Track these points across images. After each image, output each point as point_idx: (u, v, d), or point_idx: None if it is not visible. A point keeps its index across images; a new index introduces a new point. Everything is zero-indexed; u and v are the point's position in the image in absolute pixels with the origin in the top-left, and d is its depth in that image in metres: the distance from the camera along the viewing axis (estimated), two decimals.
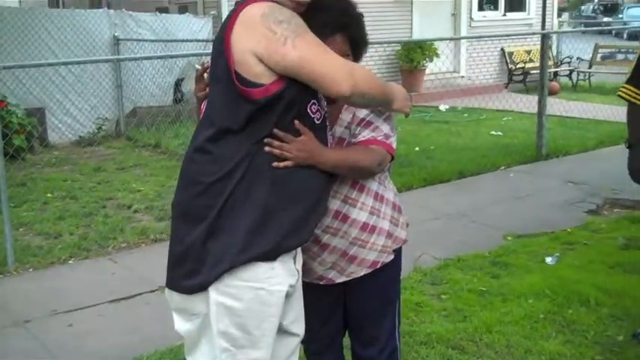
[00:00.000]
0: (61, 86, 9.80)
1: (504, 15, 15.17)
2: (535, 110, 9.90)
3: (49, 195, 6.93)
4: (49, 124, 9.60)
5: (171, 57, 10.43)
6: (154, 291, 4.67)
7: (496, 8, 15.15)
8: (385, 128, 2.47)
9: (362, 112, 2.47)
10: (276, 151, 2.21)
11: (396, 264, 2.69)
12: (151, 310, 4.40)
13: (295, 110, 2.21)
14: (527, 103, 10.94)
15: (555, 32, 12.96)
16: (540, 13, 14.89)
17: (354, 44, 2.50)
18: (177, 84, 11.00)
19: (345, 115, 2.49)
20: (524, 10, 15.53)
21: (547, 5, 13.14)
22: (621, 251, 5.14)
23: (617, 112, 10.46)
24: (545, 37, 8.50)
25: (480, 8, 14.81)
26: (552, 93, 11.70)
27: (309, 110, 2.23)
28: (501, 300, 4.35)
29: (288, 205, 2.24)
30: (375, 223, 2.53)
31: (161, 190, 7.08)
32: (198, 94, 2.62)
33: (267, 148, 2.21)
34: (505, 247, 5.34)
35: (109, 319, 4.34)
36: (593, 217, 6.05)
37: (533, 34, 12.61)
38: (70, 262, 5.29)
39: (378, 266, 2.57)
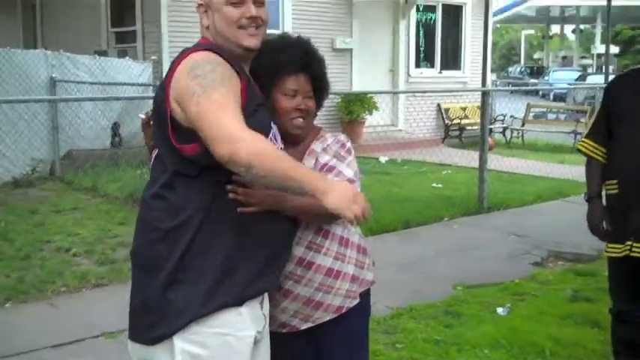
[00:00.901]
0: None
1: (440, 72, 15.58)
2: (473, 165, 10.15)
3: None
4: None
5: (108, 99, 10.31)
6: (97, 337, 4.46)
7: (432, 66, 15.54)
8: (348, 173, 2.43)
9: (324, 158, 2.44)
10: (241, 198, 2.16)
11: (363, 308, 2.61)
12: (96, 357, 4.18)
13: None
14: (465, 157, 11.17)
15: (495, 90, 13.35)
16: (473, 71, 15.45)
17: (317, 84, 2.49)
18: (115, 127, 10.81)
19: (308, 161, 2.45)
20: (459, 69, 15.98)
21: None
22: (570, 303, 5.19)
23: (551, 169, 10.80)
24: (485, 95, 8.69)
25: (417, 65, 15.17)
26: (487, 149, 11.95)
27: None
28: (457, 350, 4.32)
29: (253, 252, 2.18)
30: (339, 268, 2.47)
31: (101, 234, 6.84)
32: (149, 143, 2.55)
33: (231, 195, 2.15)
34: (456, 297, 5.33)
35: None
36: (539, 269, 6.12)
37: (475, 90, 12.94)
38: (7, 305, 5.01)
39: (343, 311, 2.50)
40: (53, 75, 10.28)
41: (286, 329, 2.49)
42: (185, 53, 2.18)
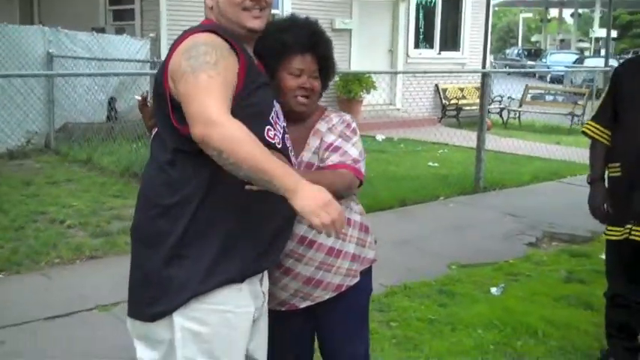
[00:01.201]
0: None
1: (439, 53, 15.54)
2: (469, 144, 10.16)
3: None
4: None
5: (106, 75, 10.25)
6: (91, 309, 4.45)
7: (431, 47, 15.48)
8: (354, 152, 2.43)
9: (330, 137, 2.44)
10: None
11: (363, 286, 2.60)
12: (89, 330, 4.17)
13: None
14: (462, 137, 11.14)
15: (495, 71, 13.29)
16: (472, 53, 15.42)
17: (323, 64, 2.49)
18: (112, 102, 10.75)
19: (313, 141, 2.45)
20: (458, 50, 15.94)
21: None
22: (564, 284, 5.19)
23: (548, 150, 10.79)
24: (485, 76, 8.65)
25: (416, 46, 15.11)
26: (486, 129, 11.92)
27: (266, 136, 2.14)
28: (450, 329, 4.31)
29: (255, 230, 2.17)
30: (340, 247, 2.47)
31: (95, 206, 6.81)
32: (148, 124, 2.55)
33: (247, 187, 2.12)
34: (450, 276, 5.33)
35: (44, 337, 4.08)
36: (533, 249, 6.12)
37: (475, 72, 12.93)
38: (1, 276, 4.99)
39: (343, 289, 2.50)
40: (50, 50, 10.20)
41: (285, 307, 2.48)
42: (186, 34, 2.17)
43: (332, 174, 2.37)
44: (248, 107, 2.10)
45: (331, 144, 2.41)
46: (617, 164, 3.52)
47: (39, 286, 4.86)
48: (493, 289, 5.04)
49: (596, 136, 3.62)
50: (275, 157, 1.96)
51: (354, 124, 2.49)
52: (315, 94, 2.45)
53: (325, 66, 2.49)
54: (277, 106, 2.25)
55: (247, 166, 1.92)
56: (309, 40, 2.42)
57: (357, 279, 2.52)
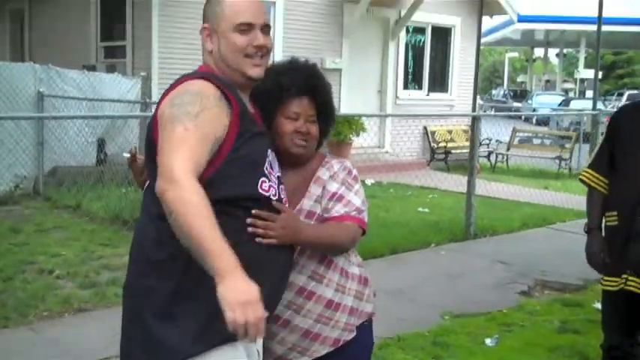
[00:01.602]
0: None
1: (428, 95, 15.65)
2: (459, 189, 10.18)
3: None
4: None
5: (99, 117, 10.20)
6: None
7: (420, 87, 15.61)
8: (357, 201, 2.41)
9: (333, 186, 2.41)
10: (261, 231, 2.15)
11: (363, 341, 2.57)
12: None
13: (241, 193, 2.11)
14: (451, 181, 11.18)
15: (485, 115, 13.38)
16: (460, 94, 15.58)
17: (322, 109, 2.47)
18: (101, 144, 10.70)
19: (315, 189, 2.42)
20: (447, 91, 16.06)
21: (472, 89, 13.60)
22: (558, 334, 5.17)
23: (536, 195, 10.83)
24: (475, 120, 8.69)
25: (405, 87, 15.22)
26: (476, 174, 11.97)
27: (259, 189, 2.13)
28: None
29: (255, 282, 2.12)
30: (339, 299, 2.44)
31: (84, 255, 6.74)
32: (137, 180, 2.54)
33: (250, 229, 2.13)
34: (444, 326, 5.29)
35: None
36: (526, 298, 6.10)
37: (465, 115, 13.05)
38: None
39: (340, 344, 2.45)
40: (41, 89, 10.17)
41: None
42: (180, 80, 2.16)
43: (335, 227, 2.35)
44: (241, 158, 2.08)
45: (335, 193, 2.39)
46: (615, 213, 3.51)
47: (27, 341, 4.76)
48: (487, 340, 5.01)
49: (593, 184, 3.62)
50: (217, 232, 1.91)
51: (354, 171, 2.49)
52: (312, 139, 2.43)
53: (324, 111, 2.47)
54: (271, 156, 2.23)
55: (188, 234, 1.90)
56: (306, 83, 2.42)
57: (354, 334, 2.48)
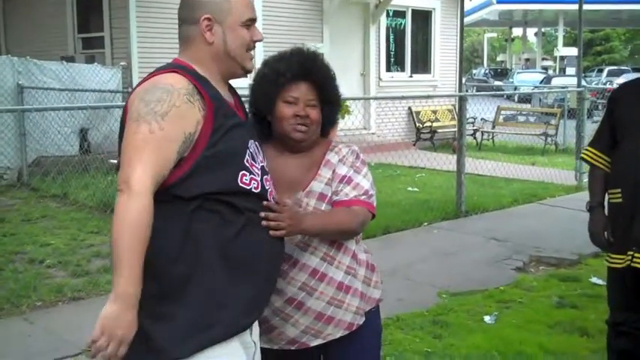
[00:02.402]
0: None
1: (410, 76, 15.61)
2: (447, 167, 10.18)
3: None
4: None
5: (79, 108, 10.04)
6: (77, 355, 4.29)
7: (403, 70, 15.56)
8: (366, 184, 2.42)
9: (342, 169, 2.42)
10: (273, 223, 2.15)
11: (374, 326, 2.56)
12: None
13: (220, 188, 2.04)
14: (438, 160, 11.15)
15: (472, 95, 13.34)
16: (443, 75, 15.59)
17: (323, 93, 2.42)
18: (84, 133, 10.57)
19: (325, 172, 2.43)
20: (429, 73, 16.03)
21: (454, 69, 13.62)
22: (557, 310, 5.15)
23: (524, 171, 10.84)
24: (462, 100, 8.66)
25: (388, 69, 15.17)
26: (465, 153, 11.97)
27: (240, 183, 2.07)
28: None
29: (241, 282, 2.07)
30: (350, 283, 2.42)
31: (74, 243, 6.65)
32: None
33: (263, 222, 2.13)
34: (442, 305, 5.26)
35: None
36: (522, 274, 6.08)
37: (452, 95, 13.04)
38: None
39: (354, 328, 2.43)
40: (20, 82, 10.02)
41: (296, 346, 2.41)
42: (153, 73, 2.10)
43: (342, 214, 2.36)
44: (218, 154, 2.02)
45: (344, 176, 2.40)
46: (618, 190, 3.47)
47: (21, 331, 4.69)
48: (487, 318, 4.99)
49: (595, 162, 3.59)
50: (137, 256, 1.89)
51: (362, 155, 2.49)
52: (313, 123, 2.41)
53: (325, 95, 2.45)
54: (253, 147, 2.17)
55: (114, 242, 1.88)
56: (301, 67, 2.41)
57: (364, 318, 2.47)
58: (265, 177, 2.18)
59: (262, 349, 2.31)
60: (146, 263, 1.95)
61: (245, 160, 2.09)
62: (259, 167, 2.16)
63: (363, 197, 2.38)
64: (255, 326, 2.22)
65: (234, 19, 2.16)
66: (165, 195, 1.97)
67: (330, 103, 2.48)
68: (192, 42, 2.16)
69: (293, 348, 2.40)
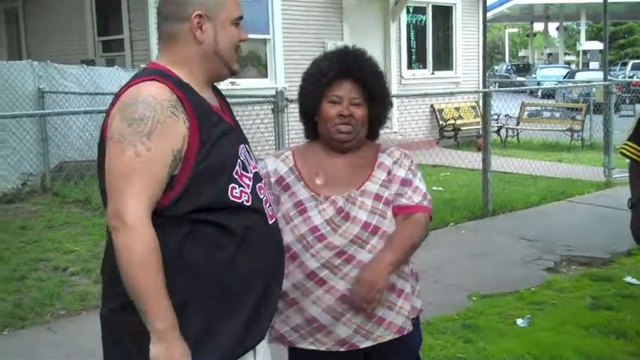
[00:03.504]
0: None
1: (432, 73, 15.44)
2: (471, 166, 10.01)
3: None
4: None
5: (99, 112, 10.00)
6: None
7: (424, 67, 15.40)
8: (424, 188, 2.43)
9: (400, 171, 2.41)
10: (371, 306, 2.27)
11: (417, 336, 2.56)
12: None
13: (211, 204, 1.92)
14: (463, 158, 10.98)
15: (495, 90, 13.15)
16: (465, 71, 15.43)
17: (368, 91, 2.39)
18: None
19: (379, 174, 2.40)
20: (451, 69, 15.84)
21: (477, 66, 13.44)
22: (591, 311, 5.00)
23: (551, 168, 10.64)
24: (486, 96, 8.51)
25: (409, 67, 15.02)
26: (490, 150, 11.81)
27: (230, 196, 1.94)
28: None
29: (233, 306, 1.95)
30: (401, 286, 2.40)
31: (97, 249, 6.57)
32: None
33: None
34: (472, 308, 5.14)
35: None
36: (553, 275, 5.93)
37: (476, 92, 12.88)
38: (5, 332, 4.77)
39: (405, 333, 2.39)
40: (41, 86, 10.02)
41: (345, 347, 2.35)
42: (131, 82, 1.95)
43: (411, 228, 2.37)
44: (207, 168, 1.90)
45: (405, 179, 2.40)
46: None
47: (46, 341, 4.63)
48: (519, 321, 4.86)
49: (635, 157, 3.44)
50: (159, 290, 1.81)
51: (412, 158, 2.51)
52: (358, 122, 2.38)
53: (370, 94, 2.40)
54: (244, 153, 2.05)
55: (131, 287, 1.81)
56: (344, 65, 2.38)
57: (411, 328, 2.44)
58: (258, 185, 2.06)
59: (305, 351, 2.31)
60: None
61: (235, 172, 1.97)
62: (251, 176, 2.03)
63: (426, 203, 2.41)
64: (262, 346, 2.11)
65: (226, 15, 2.02)
66: (156, 219, 1.85)
67: (377, 101, 2.43)
68: (179, 41, 2.02)
69: (342, 349, 2.35)
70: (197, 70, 2.01)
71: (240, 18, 2.06)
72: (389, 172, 2.40)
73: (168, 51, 2.04)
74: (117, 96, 1.95)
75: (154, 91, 1.88)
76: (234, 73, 2.10)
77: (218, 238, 1.93)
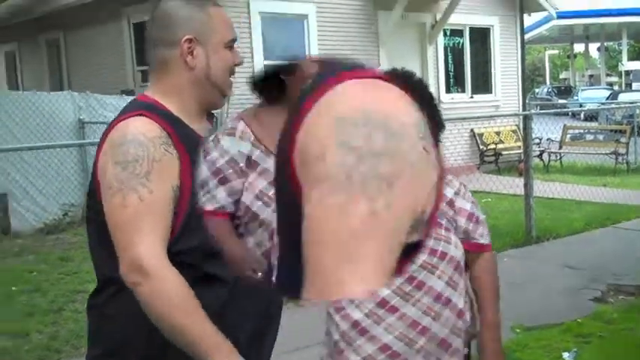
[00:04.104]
0: (24, 171, 9.34)
1: (471, 97, 15.28)
2: (513, 191, 9.82)
3: (13, 288, 6.38)
4: (12, 210, 9.09)
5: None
6: None
7: (463, 90, 15.26)
8: (483, 218, 2.41)
9: (465, 204, 2.36)
10: None
11: None
12: None
13: (201, 242, 1.85)
14: (505, 183, 10.80)
15: (536, 113, 12.94)
16: (505, 94, 15.24)
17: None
18: None
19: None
20: (491, 92, 15.66)
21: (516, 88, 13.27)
22: None
23: (595, 193, 10.39)
24: (527, 119, 8.35)
25: (448, 90, 14.90)
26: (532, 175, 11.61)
27: None
28: None
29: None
30: (465, 310, 2.31)
31: None
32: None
33: None
34: (516, 341, 4.98)
35: None
36: (600, 305, 5.74)
37: (516, 114, 12.72)
38: None
39: None
40: (81, 117, 10.14)
41: None
42: (118, 119, 1.84)
43: (488, 276, 2.42)
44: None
45: (472, 214, 2.37)
46: None
47: None
48: (565, 355, 4.69)
49: None
50: (210, 322, 1.71)
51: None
52: None
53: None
54: None
55: (179, 331, 1.71)
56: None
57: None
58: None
59: None
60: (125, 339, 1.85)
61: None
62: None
63: (489, 241, 2.41)
64: None
65: (218, 38, 1.92)
66: None
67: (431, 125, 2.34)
68: (170, 68, 1.90)
69: None
70: (189, 99, 1.91)
71: (234, 40, 1.96)
72: (450, 201, 2.33)
73: (159, 81, 1.93)
74: (104, 134, 1.85)
75: (142, 128, 1.78)
76: (226, 97, 1.99)
77: (206, 290, 1.83)
